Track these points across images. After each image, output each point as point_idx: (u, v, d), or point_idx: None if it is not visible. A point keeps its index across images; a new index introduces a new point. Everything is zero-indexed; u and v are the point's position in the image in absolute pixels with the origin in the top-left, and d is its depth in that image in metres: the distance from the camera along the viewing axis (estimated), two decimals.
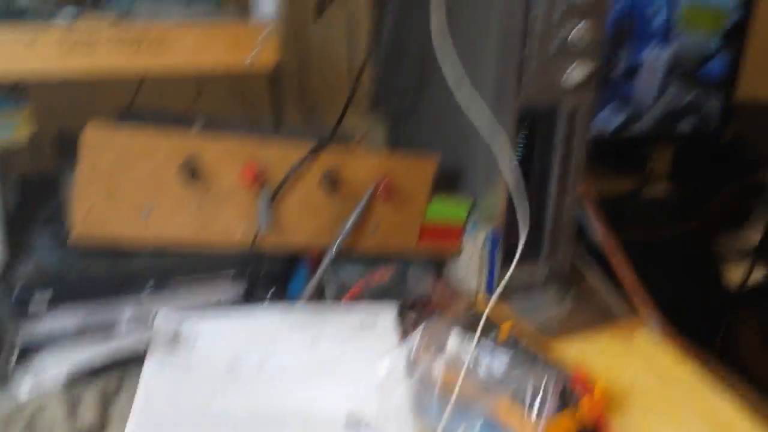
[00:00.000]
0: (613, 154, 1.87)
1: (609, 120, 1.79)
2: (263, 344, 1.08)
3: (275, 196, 1.12)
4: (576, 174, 1.19)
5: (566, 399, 0.91)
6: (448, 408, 0.94)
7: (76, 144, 1.02)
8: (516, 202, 1.06)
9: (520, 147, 1.15)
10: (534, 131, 1.14)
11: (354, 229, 1.17)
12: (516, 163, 1.09)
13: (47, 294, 1.03)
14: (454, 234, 1.26)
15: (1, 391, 0.94)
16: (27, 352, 0.99)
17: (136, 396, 0.96)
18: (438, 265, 1.29)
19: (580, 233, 1.28)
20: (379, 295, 1.20)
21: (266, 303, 1.17)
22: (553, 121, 1.14)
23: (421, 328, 1.04)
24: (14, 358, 0.97)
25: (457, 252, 1.26)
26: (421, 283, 1.24)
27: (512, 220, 1.10)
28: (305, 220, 1.16)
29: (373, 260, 1.23)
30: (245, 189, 1.10)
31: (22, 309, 0.99)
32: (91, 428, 0.90)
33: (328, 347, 1.08)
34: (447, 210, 1.24)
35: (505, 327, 1.03)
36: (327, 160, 1.14)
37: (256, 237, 1.12)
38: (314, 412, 0.98)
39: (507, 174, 1.07)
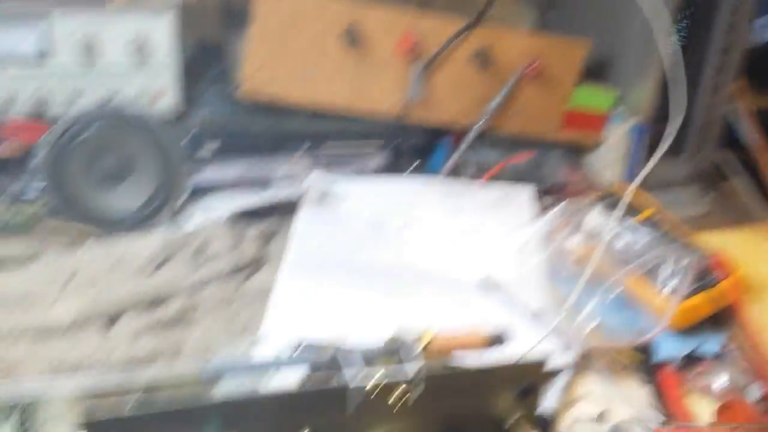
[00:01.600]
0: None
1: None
2: (405, 209, 1.15)
3: (427, 69, 1.16)
4: (732, 71, 1.17)
5: (703, 280, 0.93)
6: (582, 279, 0.97)
7: (243, 10, 1.09)
8: (671, 90, 1.06)
9: (679, 36, 1.14)
10: (695, 20, 1.12)
11: (499, 110, 1.20)
12: (677, 47, 1.08)
13: (214, 144, 1.12)
14: (597, 123, 1.26)
15: (173, 223, 1.05)
16: (195, 193, 1.09)
17: (289, 241, 1.05)
18: (577, 153, 1.30)
19: (727, 133, 1.26)
20: (516, 177, 1.23)
21: (408, 174, 1.22)
22: (716, 11, 1.11)
23: (559, 204, 1.07)
24: (184, 196, 1.07)
25: (598, 142, 1.27)
26: (558, 169, 1.26)
27: (659, 113, 1.10)
28: (452, 97, 1.19)
29: (513, 143, 1.26)
30: (400, 59, 1.14)
31: (192, 154, 1.09)
32: (251, 262, 0.99)
33: (466, 218, 1.14)
34: (592, 98, 1.24)
35: (647, 211, 1.05)
36: (479, 38, 1.16)
37: (405, 108, 1.17)
38: (451, 273, 1.04)
39: (666, 60, 1.06)
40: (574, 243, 1.02)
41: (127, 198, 1.04)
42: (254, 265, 1.00)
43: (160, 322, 0.87)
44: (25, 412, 0.65)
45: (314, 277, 0.98)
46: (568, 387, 0.78)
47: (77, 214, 1.02)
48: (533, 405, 0.52)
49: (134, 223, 1.04)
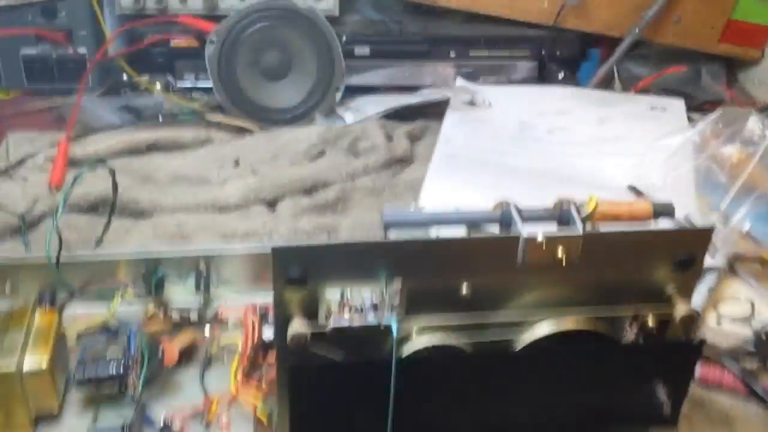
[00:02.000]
0: None
1: None
2: (552, 115, 1.15)
3: None
4: None
5: None
6: (735, 187, 0.96)
7: None
8: None
9: None
10: None
11: (655, 18, 1.17)
12: None
13: (367, 47, 1.16)
14: (758, 38, 1.21)
15: (329, 119, 1.10)
16: (349, 92, 1.14)
17: (437, 141, 1.08)
18: (734, 68, 1.25)
19: None
20: (668, 91, 1.21)
21: (557, 82, 1.22)
22: None
23: (714, 112, 1.04)
24: (340, 93, 1.11)
25: (758, 57, 1.22)
26: (713, 84, 1.23)
27: None
28: (609, 3, 1.17)
29: (667, 55, 1.23)
30: None
31: (348, 54, 1.13)
32: (401, 157, 1.03)
33: (615, 126, 1.13)
34: (755, 11, 1.19)
35: None
36: None
37: (560, 14, 1.16)
38: (598, 177, 1.04)
39: None
40: (728, 152, 1.00)
41: (288, 92, 1.09)
42: (404, 161, 1.03)
43: (317, 205, 0.92)
44: (206, 268, 0.72)
45: (461, 175, 1.01)
46: (716, 288, 0.79)
47: (242, 107, 1.08)
48: (691, 279, 0.53)
49: (294, 117, 1.10)
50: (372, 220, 0.91)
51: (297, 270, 0.49)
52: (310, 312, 0.51)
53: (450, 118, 1.12)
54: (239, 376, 0.65)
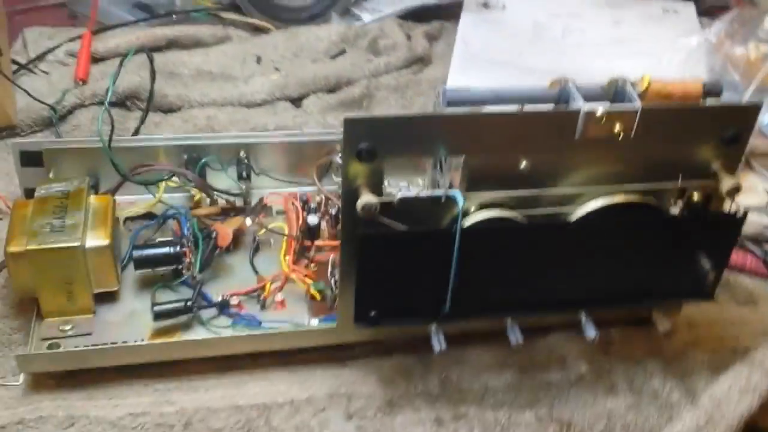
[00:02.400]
0: None
1: None
2: (566, 17, 1.16)
3: None
4: None
5: None
6: (751, 87, 0.98)
7: None
8: None
9: None
10: None
11: None
12: None
13: None
14: None
15: (346, 18, 1.10)
16: None
17: (455, 43, 1.08)
18: None
19: None
20: None
21: None
22: None
23: (729, 13, 1.06)
24: None
25: None
26: None
27: None
28: None
29: None
30: None
31: None
32: (421, 56, 1.04)
33: (629, 28, 1.14)
34: None
35: None
36: None
37: None
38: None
39: None
40: (743, 52, 1.02)
41: None
42: (424, 60, 1.04)
43: (344, 102, 0.93)
44: (246, 157, 0.74)
45: (481, 75, 1.02)
46: None
47: (257, 5, 1.08)
48: (737, 155, 0.56)
49: (309, 16, 1.09)
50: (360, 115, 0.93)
51: (366, 142, 0.50)
52: (375, 185, 0.53)
53: (465, 20, 1.13)
54: (290, 257, 0.68)
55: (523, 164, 0.54)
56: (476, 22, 1.13)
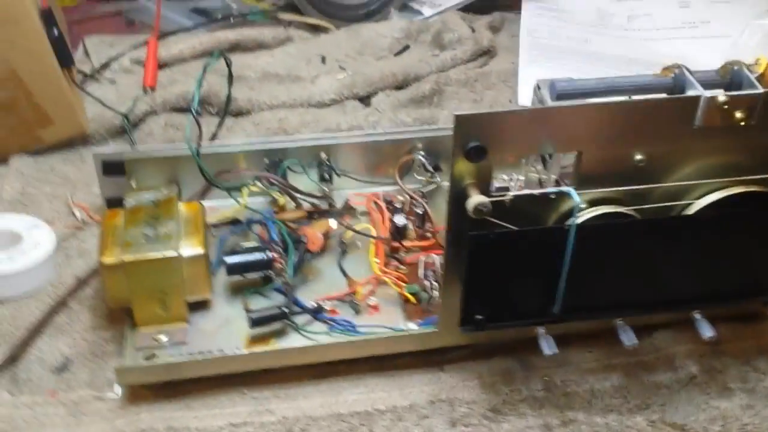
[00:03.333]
0: None
1: None
2: (630, 1, 1.12)
3: None
4: None
5: None
6: None
7: None
8: None
9: None
10: None
11: None
12: None
13: None
14: None
15: (405, 13, 1.08)
16: None
17: (520, 33, 1.06)
18: None
19: None
20: None
21: None
22: None
23: None
24: None
25: None
26: None
27: None
28: None
29: None
30: None
31: None
32: (488, 48, 1.01)
33: (699, 9, 1.10)
34: None
35: None
36: None
37: None
38: (686, 62, 1.02)
39: None
40: None
41: None
42: (490, 52, 1.02)
43: (413, 99, 0.91)
44: (326, 156, 0.72)
45: (552, 64, 1.00)
46: None
47: (315, 3, 1.06)
48: None
49: (368, 13, 1.07)
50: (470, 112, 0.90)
51: (476, 141, 0.48)
52: (483, 184, 0.51)
53: (527, 10, 1.10)
54: (380, 260, 0.66)
55: (638, 157, 0.51)
56: (539, 12, 1.10)
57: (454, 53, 0.98)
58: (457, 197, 0.51)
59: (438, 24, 1.04)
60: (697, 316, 0.57)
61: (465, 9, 1.11)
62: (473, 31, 1.04)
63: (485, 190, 0.51)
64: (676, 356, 0.62)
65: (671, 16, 1.10)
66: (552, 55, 1.02)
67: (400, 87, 0.94)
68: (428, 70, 0.95)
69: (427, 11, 1.08)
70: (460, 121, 0.48)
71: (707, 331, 0.56)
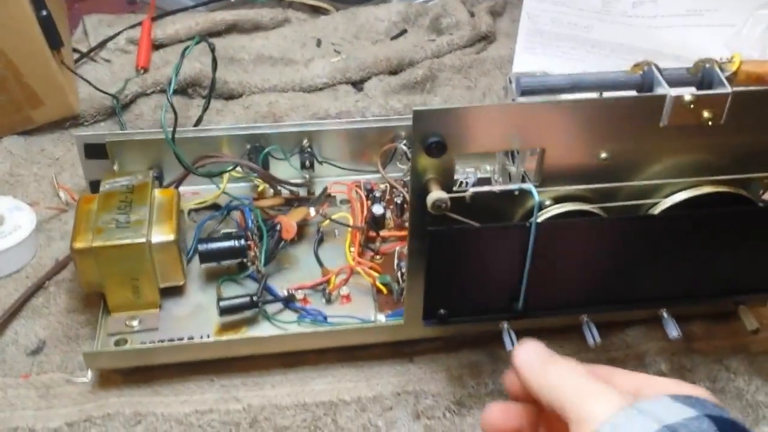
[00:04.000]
0: None
1: None
2: None
3: None
4: None
5: None
6: None
7: None
8: None
9: None
10: None
11: None
12: None
13: None
14: None
15: None
16: None
17: (521, 18, 1.04)
18: None
19: None
20: None
21: None
22: None
23: None
24: None
25: None
26: None
27: None
28: None
29: None
30: None
31: None
32: (486, 34, 1.00)
33: None
34: None
35: None
36: None
37: None
38: (689, 50, 1.00)
39: None
40: None
41: None
42: (488, 38, 1.00)
43: (406, 85, 0.91)
44: (309, 145, 0.72)
45: (549, 51, 0.98)
46: None
47: None
48: None
49: None
50: (461, 99, 0.90)
51: (436, 136, 0.48)
52: (445, 179, 0.50)
53: None
54: (355, 249, 0.66)
55: (603, 155, 0.51)
56: None
57: (451, 38, 0.97)
58: (418, 192, 0.50)
59: (437, 8, 1.03)
60: (665, 314, 0.56)
61: None
62: (472, 15, 1.03)
63: (447, 185, 0.50)
64: (647, 353, 0.62)
65: (677, 2, 1.08)
66: (551, 41, 1.00)
67: (394, 72, 0.93)
68: (423, 55, 0.94)
69: None
70: (419, 116, 0.47)
71: (673, 331, 0.56)
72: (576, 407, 0.37)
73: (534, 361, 0.41)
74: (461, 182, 0.68)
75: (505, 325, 0.56)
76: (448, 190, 0.50)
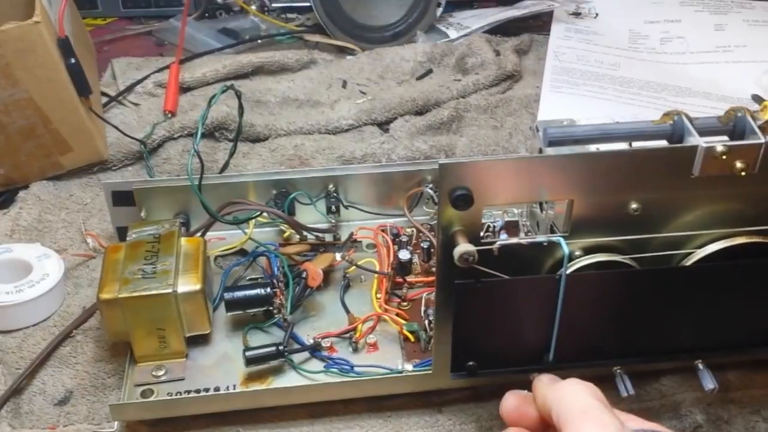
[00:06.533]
0: None
1: None
2: (663, 23, 1.10)
3: None
4: None
5: None
6: None
7: None
8: None
9: None
10: None
11: None
12: None
13: None
14: None
15: (431, 35, 1.07)
16: (450, 6, 1.10)
17: (547, 56, 1.04)
18: None
19: None
20: None
21: None
22: None
23: None
24: (441, 8, 1.08)
25: None
26: None
27: None
28: None
29: None
30: None
31: None
32: (512, 73, 1.00)
33: (734, 33, 1.07)
34: None
35: None
36: None
37: None
38: (719, 87, 0.99)
39: None
40: None
41: (388, 9, 1.06)
42: (514, 77, 1.00)
43: (431, 126, 0.90)
44: (335, 188, 0.72)
45: (576, 90, 0.98)
46: None
47: (341, 25, 1.06)
48: None
49: (394, 34, 1.07)
50: (488, 139, 0.89)
51: (462, 190, 0.47)
52: (472, 231, 0.50)
53: (556, 31, 1.09)
54: (382, 296, 0.65)
55: (633, 206, 0.50)
56: (568, 33, 1.09)
57: (477, 78, 0.97)
58: (445, 244, 0.50)
59: (463, 47, 1.03)
60: (700, 366, 0.55)
61: (493, 31, 1.10)
62: (498, 54, 1.02)
63: (474, 236, 0.50)
64: (682, 404, 0.60)
65: (706, 38, 1.07)
66: (577, 79, 1.00)
67: (420, 113, 0.93)
68: (449, 95, 0.94)
69: (453, 33, 1.07)
70: (445, 169, 0.47)
71: (709, 383, 0.54)
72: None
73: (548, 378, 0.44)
74: (488, 225, 0.68)
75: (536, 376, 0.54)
76: (476, 241, 0.49)
